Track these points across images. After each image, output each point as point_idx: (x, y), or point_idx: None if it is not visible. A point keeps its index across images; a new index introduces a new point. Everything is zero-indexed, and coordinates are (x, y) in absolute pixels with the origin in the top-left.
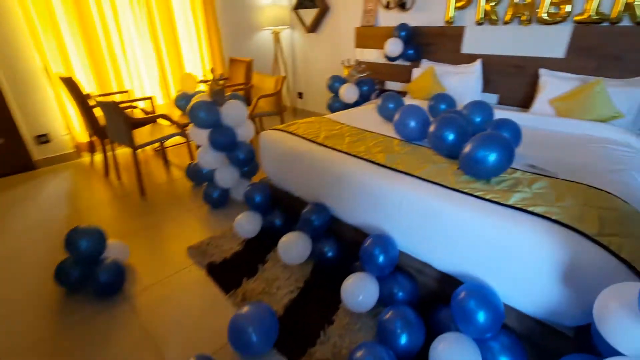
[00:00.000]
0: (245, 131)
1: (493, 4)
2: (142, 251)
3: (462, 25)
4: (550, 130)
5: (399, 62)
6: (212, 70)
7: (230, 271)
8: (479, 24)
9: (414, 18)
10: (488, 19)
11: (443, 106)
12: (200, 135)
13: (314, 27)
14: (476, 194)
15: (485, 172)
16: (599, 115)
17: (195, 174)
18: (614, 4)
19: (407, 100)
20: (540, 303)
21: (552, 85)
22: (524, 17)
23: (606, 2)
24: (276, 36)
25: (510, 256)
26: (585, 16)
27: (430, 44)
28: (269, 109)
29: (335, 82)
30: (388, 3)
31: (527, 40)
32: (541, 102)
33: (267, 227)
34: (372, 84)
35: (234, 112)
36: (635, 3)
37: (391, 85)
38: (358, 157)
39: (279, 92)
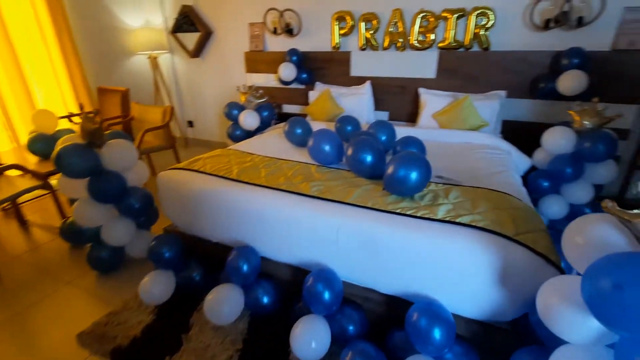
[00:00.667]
0: (136, 174)
1: (372, 32)
2: (7, 356)
3: (348, 51)
4: (437, 141)
5: (293, 85)
6: (82, 106)
7: (146, 351)
8: (362, 49)
9: (302, 43)
10: (369, 45)
11: (349, 127)
12: (74, 187)
13: (197, 52)
14: (408, 212)
15: (409, 190)
16: (471, 125)
17: (74, 234)
18: (466, 33)
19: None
20: (481, 306)
21: (432, 101)
22: (399, 44)
23: (460, 32)
24: (153, 62)
25: (449, 267)
26: (446, 43)
27: (321, 67)
28: (157, 143)
29: (233, 110)
30: (275, 29)
31: (404, 64)
32: (425, 116)
33: (183, 285)
34: (272, 109)
35: (119, 154)
36: (481, 33)
37: (288, 108)
38: (282, 191)
39: (167, 124)
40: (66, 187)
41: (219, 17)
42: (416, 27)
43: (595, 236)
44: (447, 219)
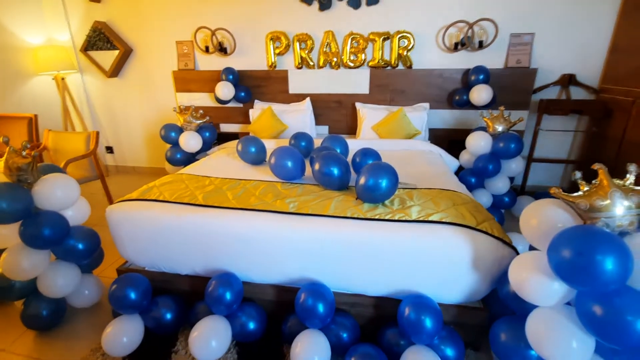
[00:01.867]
0: (78, 212)
1: (307, 51)
2: None
3: (285, 69)
4: (381, 150)
5: (230, 104)
6: (7, 141)
7: None
8: (299, 68)
9: (237, 62)
10: (305, 63)
11: (303, 143)
12: (2, 235)
13: (116, 71)
14: (386, 217)
15: (382, 197)
16: (407, 134)
17: (3, 290)
18: (391, 54)
19: None
20: (459, 290)
21: (369, 115)
22: (333, 63)
23: (387, 52)
24: (61, 83)
25: (430, 261)
26: (375, 62)
27: (259, 85)
28: (82, 174)
29: (171, 132)
30: (207, 47)
31: (340, 81)
32: (365, 129)
33: (153, 327)
34: (214, 129)
35: (58, 191)
36: (404, 53)
37: (227, 127)
38: (259, 211)
39: (94, 152)
40: None
41: (140, 34)
42: (348, 48)
43: (547, 217)
44: (421, 218)
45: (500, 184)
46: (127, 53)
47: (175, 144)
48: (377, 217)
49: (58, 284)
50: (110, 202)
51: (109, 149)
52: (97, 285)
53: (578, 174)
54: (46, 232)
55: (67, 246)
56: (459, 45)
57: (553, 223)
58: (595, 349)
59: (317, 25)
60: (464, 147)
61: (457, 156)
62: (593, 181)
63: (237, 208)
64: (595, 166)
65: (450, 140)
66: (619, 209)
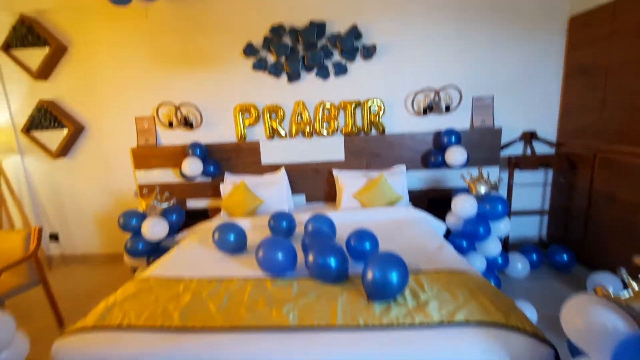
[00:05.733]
0: (13, 355)
1: (278, 121)
2: None
3: (256, 140)
4: (365, 221)
5: (198, 179)
6: None
7: None
8: (270, 138)
9: (204, 136)
10: (276, 134)
11: (284, 223)
12: None
13: (64, 151)
14: (404, 321)
15: (392, 293)
16: (389, 200)
17: None
18: (363, 120)
19: (225, 218)
20: None
21: (349, 183)
22: (306, 132)
23: (359, 119)
24: None
25: None
26: (349, 129)
27: (229, 158)
28: (18, 282)
29: (132, 219)
30: (170, 122)
31: (314, 149)
32: (346, 197)
33: None
34: (182, 211)
35: None
36: (377, 120)
37: (195, 203)
38: (248, 330)
39: (35, 253)
40: None
41: (94, 111)
42: (320, 116)
43: (594, 318)
44: (444, 320)
45: (492, 246)
46: (77, 131)
47: (137, 232)
48: (394, 324)
49: None
50: (57, 316)
51: (54, 237)
52: None
53: (623, 272)
54: None
55: None
56: (427, 110)
57: (602, 326)
58: None
59: (287, 96)
60: (443, 206)
61: (439, 214)
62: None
63: (225, 328)
64: (638, 260)
65: (429, 199)
66: None
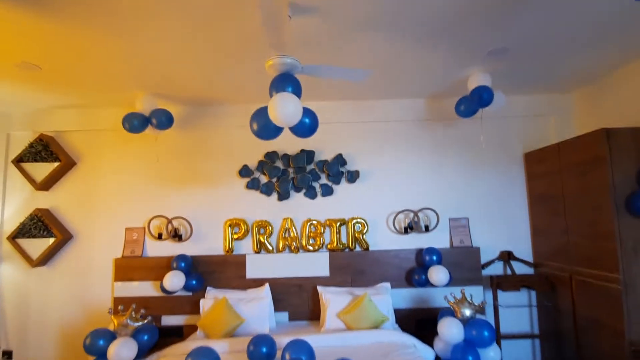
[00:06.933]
0: None
1: (266, 236)
2: None
3: (243, 254)
4: (350, 346)
5: (178, 293)
6: None
7: None
8: (257, 252)
9: (191, 248)
10: (264, 248)
11: (264, 349)
12: None
13: (45, 260)
14: None
15: None
16: (375, 322)
17: None
18: (348, 237)
19: (200, 342)
20: None
21: (333, 301)
22: (293, 247)
23: (344, 236)
24: None
25: None
26: (334, 245)
27: (214, 271)
28: None
29: (99, 340)
30: (160, 234)
31: (300, 264)
32: (330, 317)
33: None
34: (155, 330)
35: None
36: (361, 237)
37: (170, 319)
38: None
39: None
40: None
41: (86, 221)
42: (306, 233)
43: None
44: None
45: None
46: (64, 240)
47: (102, 355)
48: None
49: None
50: None
51: (7, 354)
52: None
53: None
54: None
55: None
56: (408, 229)
57: None
58: None
59: (276, 213)
60: (430, 327)
61: (427, 336)
62: None
63: None
64: None
65: (417, 320)
66: None
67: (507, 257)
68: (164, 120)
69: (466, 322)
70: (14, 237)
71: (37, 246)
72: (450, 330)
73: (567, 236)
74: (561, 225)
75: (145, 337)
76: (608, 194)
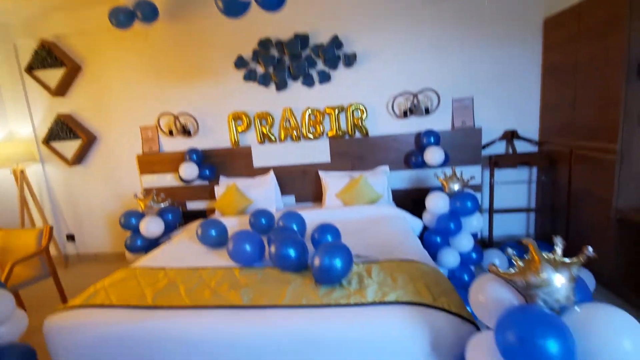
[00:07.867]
0: (12, 327)
1: (268, 127)
2: None
3: (248, 145)
4: (345, 219)
5: (196, 182)
6: None
7: None
8: (261, 143)
9: (200, 142)
10: (267, 138)
11: (263, 220)
12: None
13: (78, 159)
14: (341, 302)
15: (337, 277)
16: (370, 199)
17: None
18: (347, 124)
19: (218, 218)
20: None
21: (332, 183)
22: (294, 136)
23: (343, 123)
24: (19, 175)
25: (387, 347)
26: (333, 132)
27: (223, 162)
28: (30, 274)
29: (131, 218)
30: (171, 131)
31: (302, 152)
32: (330, 197)
33: None
34: (177, 210)
35: None
36: (360, 123)
37: (193, 204)
38: (208, 308)
39: (46, 249)
40: None
41: (105, 122)
42: (306, 121)
43: (491, 294)
44: (377, 300)
45: (464, 241)
46: (90, 141)
47: (136, 230)
48: (332, 303)
49: None
50: (65, 303)
51: (70, 237)
52: None
53: (510, 250)
54: None
55: None
56: (407, 113)
57: (497, 301)
58: None
59: (275, 103)
60: (424, 204)
61: (420, 212)
62: (525, 256)
63: (187, 307)
64: (524, 241)
65: (413, 199)
66: (554, 283)
67: (510, 136)
68: (148, 11)
69: (453, 196)
70: (47, 141)
71: (69, 148)
72: (436, 202)
73: (574, 109)
74: (569, 97)
75: (170, 216)
76: (620, 60)
